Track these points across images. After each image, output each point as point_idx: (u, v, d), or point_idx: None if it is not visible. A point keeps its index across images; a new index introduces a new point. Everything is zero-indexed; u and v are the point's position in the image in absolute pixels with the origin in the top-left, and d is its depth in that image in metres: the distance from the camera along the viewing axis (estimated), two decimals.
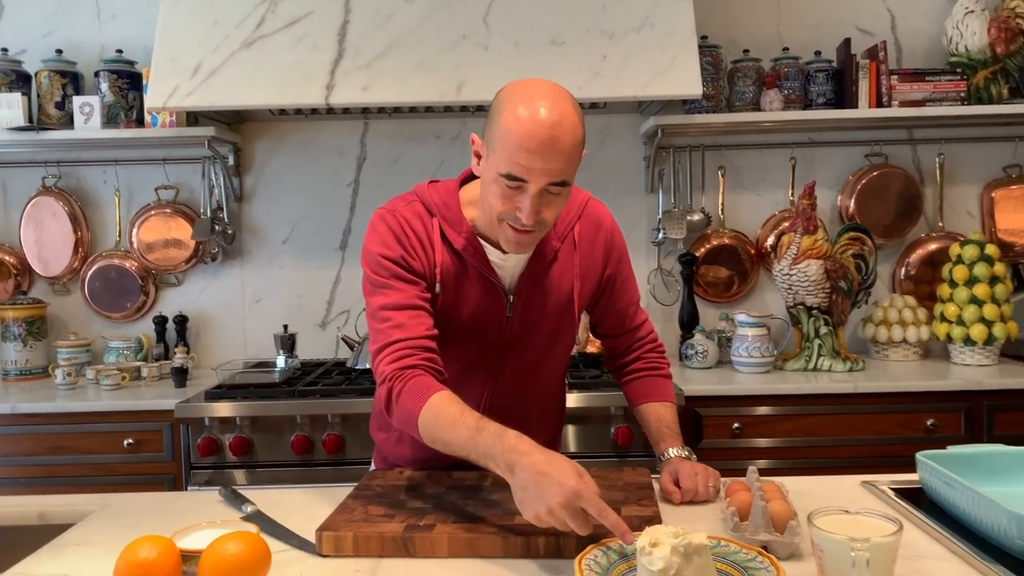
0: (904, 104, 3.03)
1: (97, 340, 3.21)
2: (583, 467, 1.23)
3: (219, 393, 2.66)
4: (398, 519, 1.34)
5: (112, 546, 1.32)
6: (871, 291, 2.98)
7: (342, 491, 1.55)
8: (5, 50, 3.16)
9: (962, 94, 3.05)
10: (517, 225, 1.41)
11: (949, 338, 2.90)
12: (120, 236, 3.28)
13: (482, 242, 1.54)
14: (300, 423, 2.61)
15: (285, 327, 3.11)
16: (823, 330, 2.88)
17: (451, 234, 1.54)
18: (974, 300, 2.85)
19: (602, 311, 1.74)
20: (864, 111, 3.02)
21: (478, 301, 1.56)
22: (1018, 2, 3.05)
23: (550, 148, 1.34)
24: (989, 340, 2.83)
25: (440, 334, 1.52)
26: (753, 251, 3.28)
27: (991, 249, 2.88)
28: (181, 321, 3.22)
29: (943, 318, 2.92)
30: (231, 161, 3.23)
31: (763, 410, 2.67)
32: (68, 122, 3.07)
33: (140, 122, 3.09)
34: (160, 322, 3.20)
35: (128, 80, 3.09)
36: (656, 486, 1.55)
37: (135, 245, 3.24)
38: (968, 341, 2.85)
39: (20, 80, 3.10)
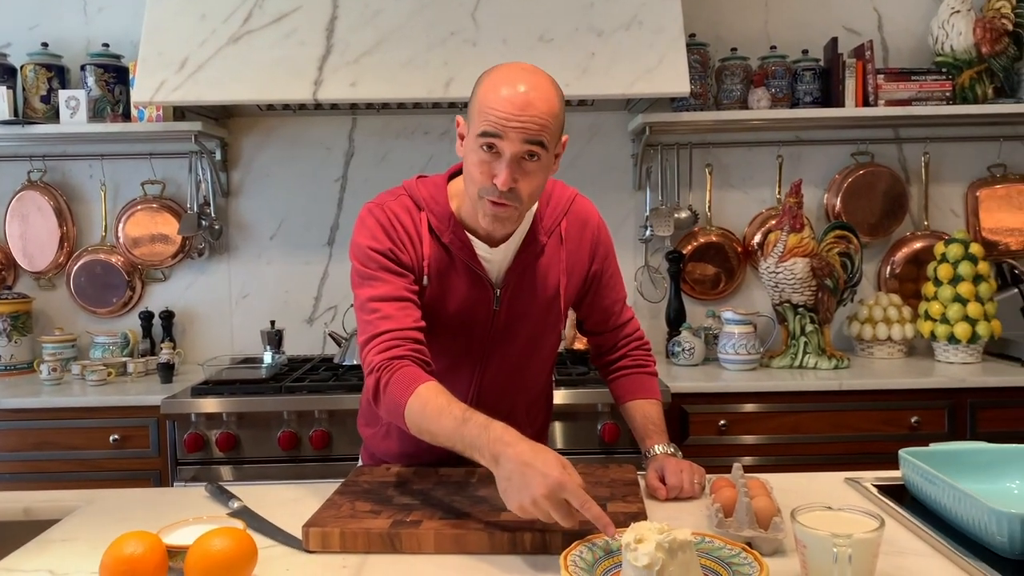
0: (890, 103, 3.05)
1: (83, 335, 3.19)
2: (568, 461, 1.24)
3: (206, 389, 2.66)
4: (385, 515, 1.34)
5: (98, 542, 1.32)
6: (856, 289, 3.00)
7: (329, 487, 1.55)
8: None
9: (947, 94, 3.07)
10: (494, 197, 1.43)
11: (933, 336, 2.92)
12: (106, 231, 3.26)
13: (469, 236, 1.55)
14: (287, 419, 2.60)
15: (272, 323, 3.10)
16: (809, 328, 2.90)
17: (439, 227, 1.55)
18: (958, 298, 2.87)
19: (588, 307, 1.75)
20: (851, 110, 3.03)
21: (465, 294, 1.57)
22: (1003, 2, 3.07)
23: (524, 105, 1.38)
24: (973, 338, 2.85)
25: (427, 327, 1.53)
26: (740, 249, 3.29)
27: (975, 248, 2.90)
28: (167, 317, 3.20)
29: (927, 316, 2.94)
30: (218, 156, 3.22)
31: (749, 407, 2.68)
32: (54, 116, 3.05)
33: (127, 116, 3.07)
34: (146, 317, 3.18)
35: (114, 74, 3.07)
36: (642, 482, 1.56)
37: (121, 240, 3.22)
38: (952, 339, 2.87)
39: (5, 73, 3.08)
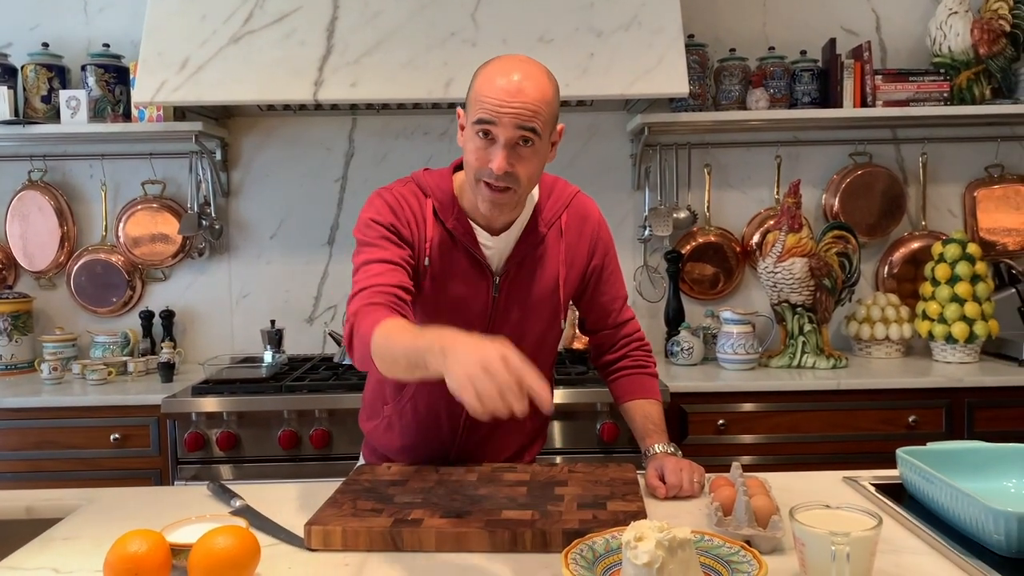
0: (888, 104, 3.06)
1: (83, 335, 3.20)
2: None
3: (206, 388, 2.66)
4: (386, 514, 1.35)
5: (100, 540, 1.33)
6: (854, 289, 3.01)
7: (330, 486, 1.56)
8: None
9: (945, 94, 3.09)
10: (492, 180, 1.48)
11: (931, 336, 2.93)
12: (106, 231, 3.27)
13: (471, 224, 1.59)
14: (287, 418, 2.61)
15: (272, 322, 3.11)
16: (807, 327, 2.91)
17: (443, 213, 1.60)
18: (956, 298, 2.88)
19: (588, 303, 1.77)
20: (849, 111, 3.04)
21: (465, 279, 1.61)
22: (1001, 3, 3.08)
23: (516, 92, 1.44)
24: (970, 338, 2.86)
25: (427, 312, 1.58)
26: (738, 249, 3.30)
27: (973, 248, 2.91)
28: (167, 316, 3.21)
29: (925, 316, 2.95)
30: (218, 156, 3.23)
31: (748, 406, 2.69)
32: (54, 116, 3.06)
33: (127, 116, 3.08)
34: (146, 317, 3.19)
35: (115, 74, 3.08)
36: (641, 481, 1.57)
37: (121, 240, 3.23)
38: (950, 339, 2.88)
39: (6, 73, 3.08)
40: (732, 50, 3.17)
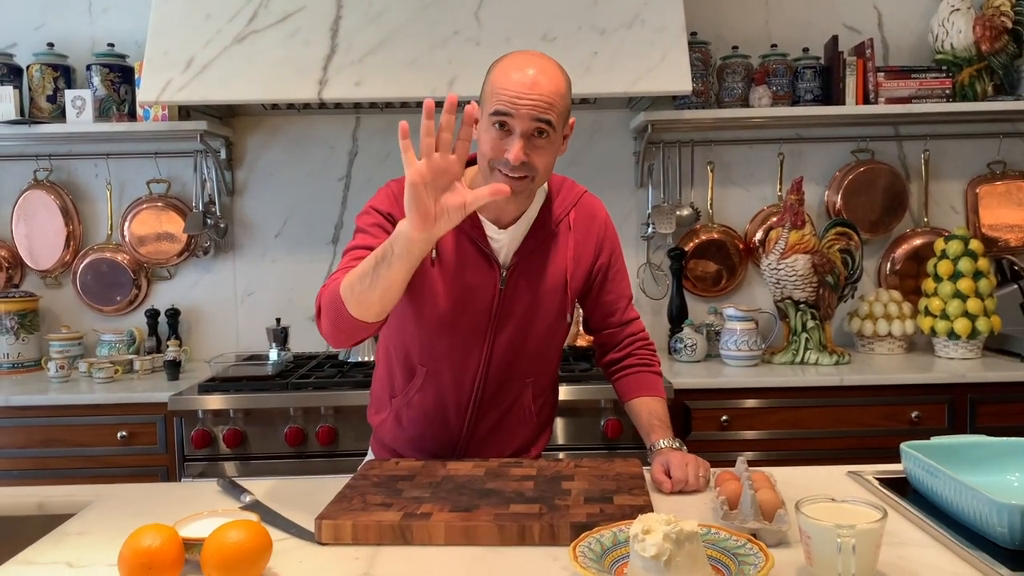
0: (890, 101, 3.07)
1: (89, 333, 3.22)
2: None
3: (212, 386, 2.68)
4: (395, 508, 1.36)
5: (113, 535, 1.35)
6: (857, 286, 3.02)
7: (337, 482, 1.57)
8: None
9: (947, 91, 3.10)
10: (507, 170, 1.50)
11: (933, 332, 2.94)
12: (112, 230, 3.28)
13: (479, 216, 1.61)
14: (293, 415, 2.63)
15: (278, 320, 3.13)
16: (810, 324, 2.92)
17: None
18: (958, 294, 2.89)
19: (594, 302, 1.78)
20: (851, 108, 3.05)
21: (472, 270, 1.64)
22: (1003, 0, 3.09)
23: (532, 85, 1.48)
24: (973, 334, 2.87)
25: (434, 302, 1.60)
26: (741, 246, 3.31)
27: (975, 244, 2.92)
28: (173, 315, 3.22)
29: (927, 312, 2.97)
30: (223, 155, 3.24)
31: (751, 403, 2.70)
32: (60, 115, 3.08)
33: (132, 116, 3.09)
34: (152, 315, 3.21)
35: (120, 74, 3.09)
36: (647, 476, 1.58)
37: (127, 239, 3.25)
38: (952, 335, 2.89)
39: (11, 73, 3.10)
40: (735, 48, 3.19)
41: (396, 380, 1.75)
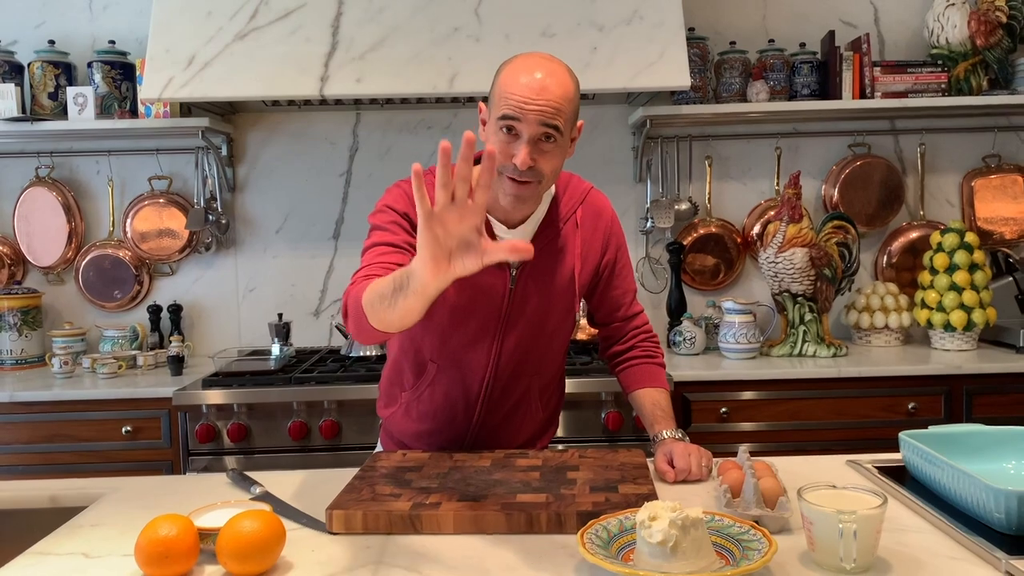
0: (887, 95, 3.10)
1: (92, 329, 3.24)
2: None
3: (216, 381, 2.69)
4: (405, 498, 1.39)
5: (126, 527, 1.37)
6: (854, 278, 3.05)
7: (343, 473, 1.59)
8: None
9: (943, 85, 3.12)
10: (515, 175, 1.50)
11: (930, 324, 2.97)
12: (114, 226, 3.30)
13: (488, 217, 1.61)
14: (297, 410, 2.65)
15: (280, 315, 3.15)
16: (808, 317, 2.95)
17: None
18: (954, 287, 2.92)
19: (600, 297, 1.80)
20: (848, 102, 3.08)
21: (482, 272, 1.60)
22: None
23: (540, 90, 1.47)
24: (968, 326, 2.90)
25: (444, 302, 1.59)
26: (739, 239, 3.34)
27: (971, 237, 2.95)
28: (175, 310, 3.24)
29: (924, 305, 2.99)
30: (224, 151, 3.26)
31: (749, 395, 2.73)
32: (62, 113, 3.09)
33: (134, 113, 3.11)
34: (154, 311, 3.23)
35: (121, 71, 3.10)
36: (650, 466, 1.61)
37: (129, 235, 3.26)
38: (948, 327, 2.92)
39: (13, 71, 3.11)
40: (732, 43, 3.21)
41: (406, 375, 1.77)
